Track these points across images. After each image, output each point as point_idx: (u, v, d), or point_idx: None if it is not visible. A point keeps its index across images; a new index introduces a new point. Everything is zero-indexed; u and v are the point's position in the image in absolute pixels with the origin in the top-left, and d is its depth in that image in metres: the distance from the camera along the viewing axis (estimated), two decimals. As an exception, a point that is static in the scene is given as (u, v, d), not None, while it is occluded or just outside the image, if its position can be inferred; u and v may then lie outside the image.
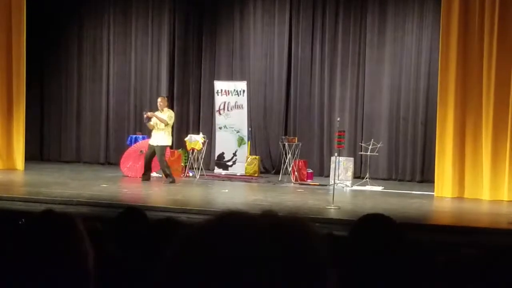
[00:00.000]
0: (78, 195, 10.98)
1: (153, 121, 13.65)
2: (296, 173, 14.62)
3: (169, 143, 13.86)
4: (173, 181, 13.39)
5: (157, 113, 13.74)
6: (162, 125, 13.54)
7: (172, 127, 14.40)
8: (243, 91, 15.88)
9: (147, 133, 16.72)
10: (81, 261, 1.66)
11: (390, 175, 15.89)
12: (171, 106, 17.33)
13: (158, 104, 13.88)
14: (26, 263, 1.61)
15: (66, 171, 15.45)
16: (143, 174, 13.83)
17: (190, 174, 15.18)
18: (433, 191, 12.94)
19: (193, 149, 15.09)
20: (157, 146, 13.48)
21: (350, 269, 2.56)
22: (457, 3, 12.71)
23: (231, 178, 15.04)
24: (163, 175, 13.75)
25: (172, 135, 17.07)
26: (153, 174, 14.75)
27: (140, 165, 14.49)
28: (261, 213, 1.08)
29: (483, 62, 12.61)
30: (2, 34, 15.31)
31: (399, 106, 15.86)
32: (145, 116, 13.84)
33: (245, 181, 14.75)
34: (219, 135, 16.13)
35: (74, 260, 1.65)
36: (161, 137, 13.55)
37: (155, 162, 14.35)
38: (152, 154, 13.66)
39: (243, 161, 15.73)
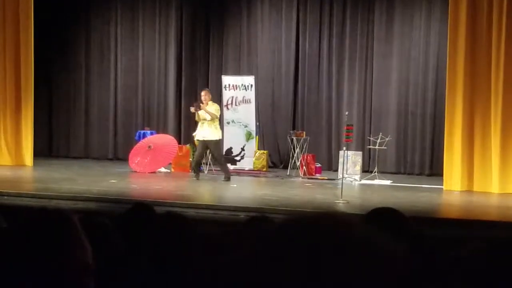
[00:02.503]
0: (87, 190, 10.99)
1: (201, 113, 13.13)
2: (304, 167, 14.60)
3: (220, 137, 13.56)
4: (228, 179, 13.14)
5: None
6: (208, 119, 13.04)
7: (220, 121, 13.90)
8: (251, 85, 15.87)
9: (156, 128, 16.80)
10: (78, 256, 1.65)
11: (398, 168, 15.85)
12: (179, 101, 17.41)
13: (202, 98, 13.22)
14: (23, 260, 1.61)
15: (75, 167, 15.48)
16: (196, 174, 13.37)
17: (198, 169, 15.17)
18: (442, 185, 12.89)
19: (201, 144, 15.06)
20: (209, 141, 13.05)
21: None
22: (465, -3, 12.66)
23: (239, 173, 15.03)
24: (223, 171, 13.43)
25: (188, 130, 17.14)
26: (162, 169, 14.77)
27: (149, 160, 14.49)
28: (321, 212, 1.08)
29: (491, 56, 12.53)
30: (10, 31, 15.32)
31: (408, 100, 15.81)
32: (196, 106, 13.14)
33: (254, 176, 14.74)
34: (227, 130, 16.11)
35: (70, 256, 1.64)
36: (210, 132, 13.07)
37: (161, 156, 14.39)
38: (203, 151, 13.30)
39: (251, 156, 15.72)
